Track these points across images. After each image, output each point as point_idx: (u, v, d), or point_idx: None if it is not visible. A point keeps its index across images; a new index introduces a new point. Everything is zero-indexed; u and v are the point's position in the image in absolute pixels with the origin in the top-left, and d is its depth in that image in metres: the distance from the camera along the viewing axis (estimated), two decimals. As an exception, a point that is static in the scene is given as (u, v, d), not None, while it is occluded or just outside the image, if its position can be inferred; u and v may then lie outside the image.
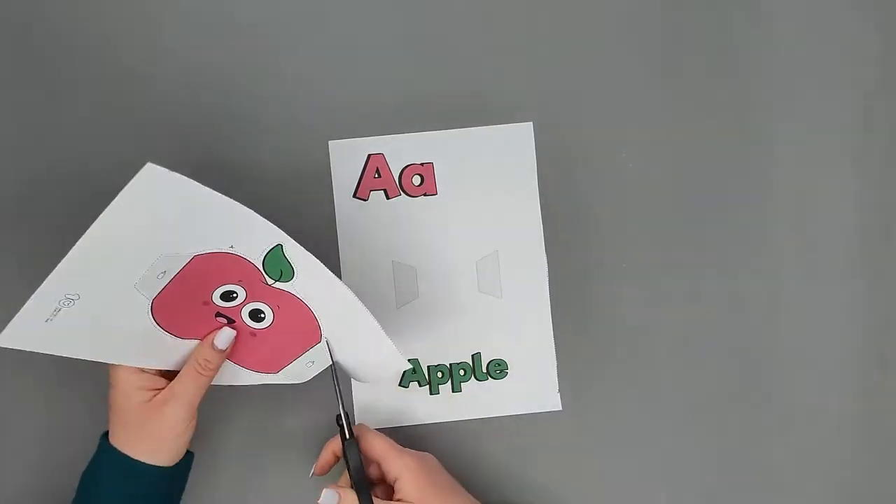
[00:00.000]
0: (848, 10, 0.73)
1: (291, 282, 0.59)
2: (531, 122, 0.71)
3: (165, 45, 0.70)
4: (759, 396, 0.71)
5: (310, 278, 0.59)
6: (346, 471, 0.62)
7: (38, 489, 0.69)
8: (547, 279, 0.71)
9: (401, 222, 0.70)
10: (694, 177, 0.72)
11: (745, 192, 0.72)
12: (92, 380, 0.64)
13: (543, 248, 0.71)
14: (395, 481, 0.61)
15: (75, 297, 0.55)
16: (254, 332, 0.62)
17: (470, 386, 0.71)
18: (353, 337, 0.62)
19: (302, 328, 0.62)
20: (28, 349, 0.56)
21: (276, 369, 0.65)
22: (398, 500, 0.60)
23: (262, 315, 0.62)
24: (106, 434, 0.61)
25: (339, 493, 0.60)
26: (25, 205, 0.69)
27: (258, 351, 0.63)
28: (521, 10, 0.72)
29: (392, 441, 0.63)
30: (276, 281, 0.59)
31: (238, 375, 0.64)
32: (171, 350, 0.61)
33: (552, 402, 0.71)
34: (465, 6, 0.72)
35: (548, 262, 0.71)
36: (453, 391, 0.71)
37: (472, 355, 0.71)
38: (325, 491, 0.60)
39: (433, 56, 0.72)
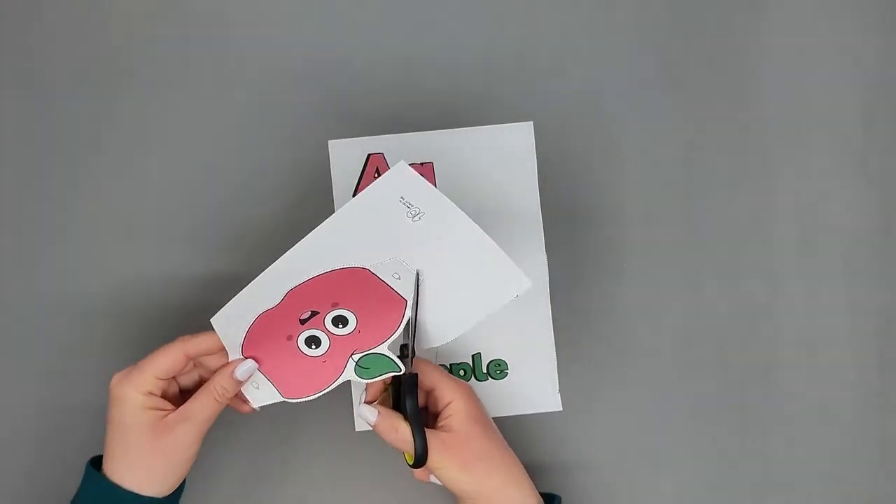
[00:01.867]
0: (847, 10, 0.73)
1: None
2: (531, 122, 0.71)
3: (163, 46, 0.71)
4: (758, 396, 0.71)
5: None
6: (387, 393, 0.62)
7: None
8: (547, 279, 0.71)
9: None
10: (694, 176, 0.72)
11: (744, 192, 0.72)
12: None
13: (543, 248, 0.71)
14: (445, 407, 0.61)
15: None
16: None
17: (470, 386, 0.71)
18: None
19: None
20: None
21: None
22: (441, 428, 0.60)
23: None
24: (92, 461, 0.59)
25: (379, 411, 0.59)
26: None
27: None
28: (522, 10, 0.72)
29: (444, 369, 0.63)
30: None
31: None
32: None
33: (552, 402, 0.71)
34: (465, 6, 0.72)
35: (548, 262, 0.71)
36: (453, 391, 0.71)
37: (472, 355, 0.71)
38: (364, 406, 0.59)
39: (433, 56, 0.72)
